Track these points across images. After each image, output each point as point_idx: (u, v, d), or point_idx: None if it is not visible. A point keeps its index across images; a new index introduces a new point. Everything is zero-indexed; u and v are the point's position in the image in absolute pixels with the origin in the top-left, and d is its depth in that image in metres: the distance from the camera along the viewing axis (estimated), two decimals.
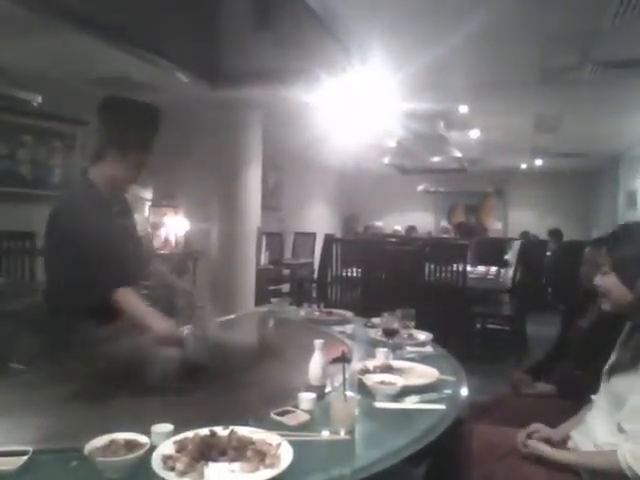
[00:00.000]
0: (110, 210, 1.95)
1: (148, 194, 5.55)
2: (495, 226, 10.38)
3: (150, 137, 1.91)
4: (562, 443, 1.58)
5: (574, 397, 1.79)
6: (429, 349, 2.07)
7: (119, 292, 1.72)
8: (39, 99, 3.80)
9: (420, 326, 2.20)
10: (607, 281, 1.51)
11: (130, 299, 1.73)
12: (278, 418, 1.30)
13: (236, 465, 1.06)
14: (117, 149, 1.85)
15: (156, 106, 1.91)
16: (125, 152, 1.86)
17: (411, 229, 9.38)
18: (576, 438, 1.56)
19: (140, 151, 1.90)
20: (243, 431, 1.16)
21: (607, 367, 1.54)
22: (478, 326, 5.20)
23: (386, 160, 6.88)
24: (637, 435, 1.33)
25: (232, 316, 2.67)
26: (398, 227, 9.73)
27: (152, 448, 1.08)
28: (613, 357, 1.54)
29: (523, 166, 9.47)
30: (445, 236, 8.46)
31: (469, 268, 4.96)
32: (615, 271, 1.49)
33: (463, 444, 1.59)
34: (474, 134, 6.49)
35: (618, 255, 1.50)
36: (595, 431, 1.50)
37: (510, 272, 5.21)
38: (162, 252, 5.37)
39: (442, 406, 1.46)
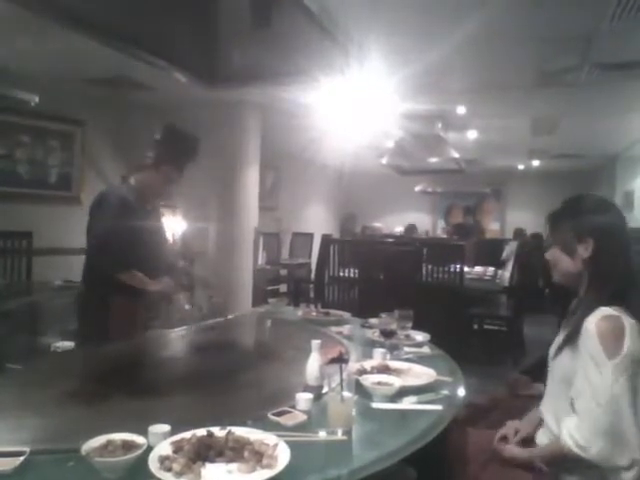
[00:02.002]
0: (145, 209, 2.40)
1: None
2: (493, 227, 10.38)
3: (184, 162, 2.39)
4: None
5: None
6: (426, 350, 2.07)
7: (125, 274, 2.25)
8: (36, 99, 3.80)
9: (417, 327, 2.20)
10: (552, 253, 1.56)
11: (134, 277, 2.28)
12: (275, 418, 1.30)
13: (233, 466, 1.06)
14: (155, 164, 2.35)
15: (198, 138, 2.42)
16: (159, 167, 2.35)
17: (411, 228, 9.30)
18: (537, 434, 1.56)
19: (173, 169, 2.37)
20: (240, 432, 1.16)
21: (552, 348, 1.55)
22: (475, 327, 5.20)
23: (384, 161, 6.87)
24: (582, 414, 1.34)
25: (230, 316, 2.68)
26: (400, 229, 9.63)
27: (149, 449, 1.08)
28: (558, 337, 1.54)
29: (521, 167, 9.47)
30: (444, 236, 8.45)
31: (466, 269, 4.97)
32: (555, 242, 1.54)
33: (454, 446, 1.59)
34: (472, 135, 6.49)
35: (557, 226, 1.56)
36: (547, 419, 1.51)
37: (507, 272, 5.21)
38: None
39: (439, 407, 1.46)
